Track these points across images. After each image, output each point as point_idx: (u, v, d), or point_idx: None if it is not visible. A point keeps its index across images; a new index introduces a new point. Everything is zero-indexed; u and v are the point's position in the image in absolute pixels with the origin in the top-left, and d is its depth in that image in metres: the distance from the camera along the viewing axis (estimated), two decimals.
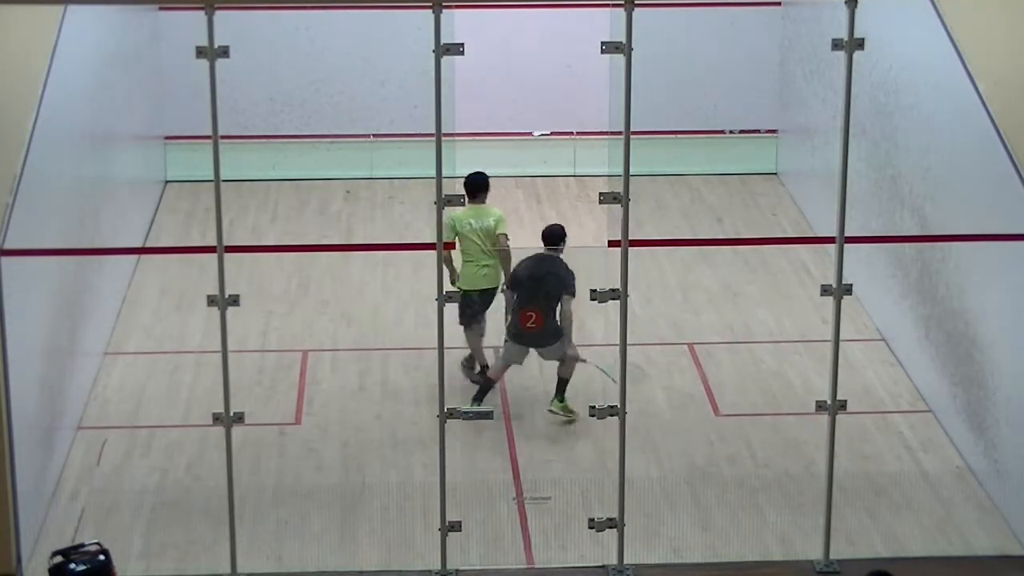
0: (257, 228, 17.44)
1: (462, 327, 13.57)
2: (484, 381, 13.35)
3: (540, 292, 13.04)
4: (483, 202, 13.72)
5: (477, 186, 13.71)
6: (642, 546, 11.42)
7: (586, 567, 11.28)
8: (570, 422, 13.08)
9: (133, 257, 16.14)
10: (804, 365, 14.22)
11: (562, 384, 13.18)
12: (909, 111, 13.98)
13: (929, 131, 13.48)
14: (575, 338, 13.24)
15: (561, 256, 13.19)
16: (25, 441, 11.12)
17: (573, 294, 12.95)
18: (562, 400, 13.17)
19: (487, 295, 13.67)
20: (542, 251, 13.26)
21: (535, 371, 13.69)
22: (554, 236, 13.27)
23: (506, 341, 13.26)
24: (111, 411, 13.45)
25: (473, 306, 13.57)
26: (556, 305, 13.04)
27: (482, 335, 13.72)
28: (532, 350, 13.22)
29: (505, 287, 13.41)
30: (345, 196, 18.41)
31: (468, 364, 13.87)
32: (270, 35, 18.30)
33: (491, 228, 13.54)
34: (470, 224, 13.52)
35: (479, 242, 13.52)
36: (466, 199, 13.07)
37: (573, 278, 13.05)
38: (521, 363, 13.34)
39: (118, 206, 15.45)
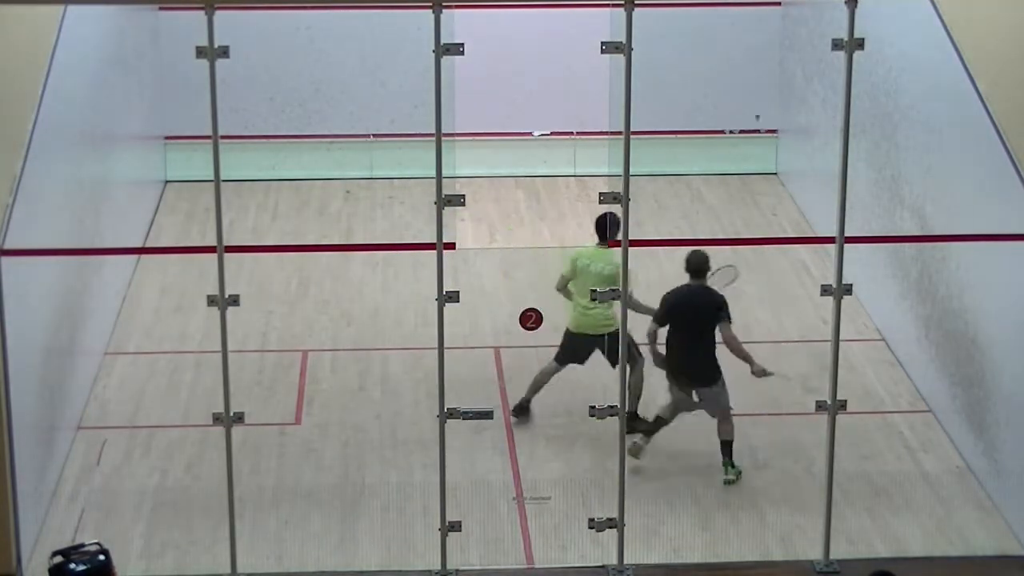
0: (257, 228, 17.45)
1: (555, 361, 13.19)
2: (653, 424, 12.57)
3: (696, 326, 12.37)
4: (608, 247, 12.96)
5: (611, 230, 12.80)
6: (642, 546, 11.42)
7: (586, 567, 11.28)
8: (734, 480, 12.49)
9: (133, 257, 16.15)
10: (804, 365, 14.22)
11: (726, 447, 12.40)
12: (909, 111, 13.98)
13: (929, 131, 13.48)
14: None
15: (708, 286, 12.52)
16: (25, 441, 11.12)
17: (729, 319, 12.33)
18: (731, 464, 12.41)
19: (591, 340, 13.00)
20: (691, 284, 12.50)
21: (535, 371, 13.67)
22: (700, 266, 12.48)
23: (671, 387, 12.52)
24: (111, 411, 13.45)
25: (573, 347, 13.02)
26: (709, 338, 12.37)
27: (554, 372, 13.19)
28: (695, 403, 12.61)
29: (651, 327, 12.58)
30: (345, 196, 18.41)
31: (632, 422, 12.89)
32: (270, 35, 18.31)
33: (611, 276, 12.75)
34: (587, 264, 12.98)
35: (592, 286, 12.54)
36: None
37: (726, 304, 12.41)
38: (691, 410, 12.54)
39: (118, 206, 15.45)
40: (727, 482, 12.35)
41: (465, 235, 16.82)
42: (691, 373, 12.47)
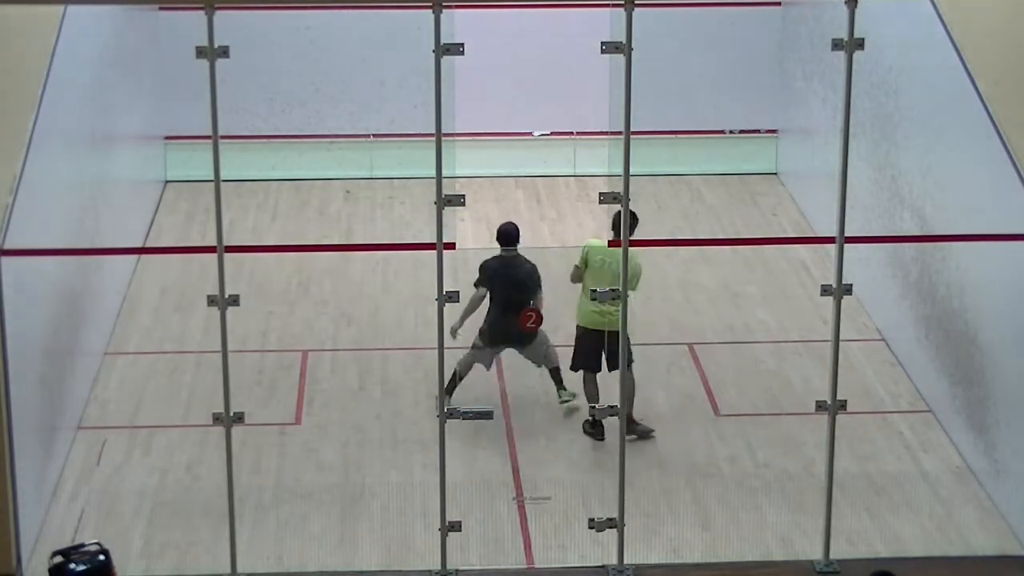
0: (257, 228, 17.45)
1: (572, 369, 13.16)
2: (451, 379, 13.03)
3: (520, 293, 13.07)
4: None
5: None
6: (642, 546, 11.42)
7: (586, 567, 11.28)
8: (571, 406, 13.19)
9: (133, 257, 16.14)
10: (804, 365, 14.22)
11: (556, 374, 13.28)
12: (909, 111, 13.98)
13: (929, 131, 13.48)
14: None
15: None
16: (25, 441, 11.12)
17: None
18: (563, 387, 13.22)
19: (598, 336, 12.80)
20: (508, 252, 13.20)
21: (535, 371, 13.68)
22: (511, 236, 13.24)
23: (478, 346, 13.21)
24: (111, 411, 13.45)
25: (582, 345, 12.94)
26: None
27: (595, 379, 13.07)
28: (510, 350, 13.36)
29: (476, 288, 13.18)
30: (345, 196, 18.41)
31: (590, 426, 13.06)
32: (270, 35, 18.30)
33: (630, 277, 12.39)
34: (603, 260, 12.84)
35: (609, 285, 12.47)
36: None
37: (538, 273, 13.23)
38: (488, 368, 13.39)
39: (118, 206, 15.45)
40: (564, 402, 13.17)
41: (465, 235, 16.81)
42: (513, 335, 13.15)
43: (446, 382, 11.72)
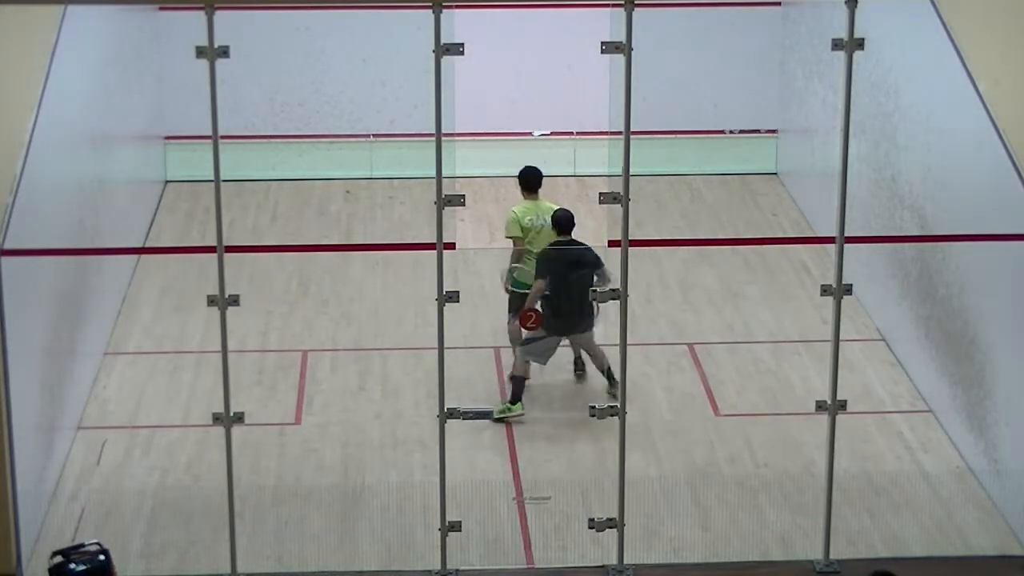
0: (257, 228, 17.45)
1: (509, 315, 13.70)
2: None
3: (575, 280, 12.99)
4: (537, 197, 13.76)
5: (534, 180, 13.71)
6: (642, 546, 11.42)
7: (586, 567, 11.28)
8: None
9: (133, 257, 16.15)
10: (804, 365, 14.22)
11: (608, 371, 13.32)
12: (909, 111, 13.98)
13: (929, 131, 13.48)
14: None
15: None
16: (25, 441, 11.12)
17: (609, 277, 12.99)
18: (614, 382, 13.17)
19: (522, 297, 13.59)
20: (565, 240, 13.23)
21: (535, 371, 13.68)
22: (570, 222, 13.25)
23: (534, 340, 13.15)
24: (111, 411, 13.45)
25: (522, 301, 13.53)
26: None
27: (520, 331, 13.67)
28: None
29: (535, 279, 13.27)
30: (345, 196, 18.42)
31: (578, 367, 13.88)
32: (270, 35, 18.31)
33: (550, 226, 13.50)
34: (532, 220, 13.55)
35: (544, 243, 13.43)
36: (522, 193, 13.66)
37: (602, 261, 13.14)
38: (544, 364, 13.41)
39: (118, 206, 15.45)
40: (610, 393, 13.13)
41: (465, 235, 16.82)
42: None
43: (445, 382, 11.72)
